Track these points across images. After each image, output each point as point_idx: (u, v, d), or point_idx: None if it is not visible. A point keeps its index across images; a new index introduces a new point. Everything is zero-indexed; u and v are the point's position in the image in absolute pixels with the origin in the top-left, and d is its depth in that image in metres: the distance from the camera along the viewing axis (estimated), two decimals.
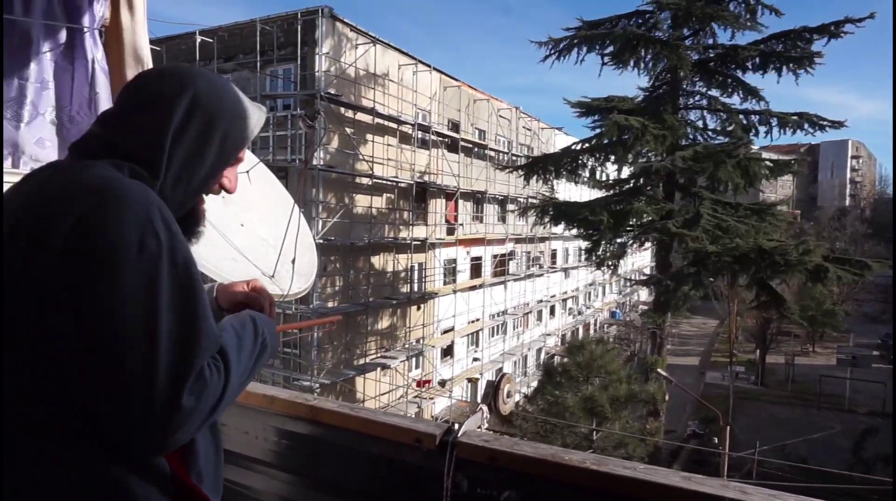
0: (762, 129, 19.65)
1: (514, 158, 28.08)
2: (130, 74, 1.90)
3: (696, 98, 21.01)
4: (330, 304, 18.56)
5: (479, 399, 22.60)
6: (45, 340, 0.90)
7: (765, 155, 21.15)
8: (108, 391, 0.88)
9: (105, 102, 1.89)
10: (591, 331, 39.27)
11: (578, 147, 20.57)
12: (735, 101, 20.21)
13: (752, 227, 18.12)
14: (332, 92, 17.67)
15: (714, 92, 20.48)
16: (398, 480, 1.81)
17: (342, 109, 18.61)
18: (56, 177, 1.00)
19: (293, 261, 2.99)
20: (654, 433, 19.00)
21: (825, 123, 18.79)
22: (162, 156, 1.08)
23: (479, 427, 1.91)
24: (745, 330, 39.67)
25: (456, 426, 1.75)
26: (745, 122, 19.80)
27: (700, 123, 20.94)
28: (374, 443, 1.82)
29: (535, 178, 21.22)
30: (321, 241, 17.26)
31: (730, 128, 20.12)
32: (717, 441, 19.62)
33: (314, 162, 17.07)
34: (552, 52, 19.91)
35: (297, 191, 16.69)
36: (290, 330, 13.51)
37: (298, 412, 1.93)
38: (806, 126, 18.93)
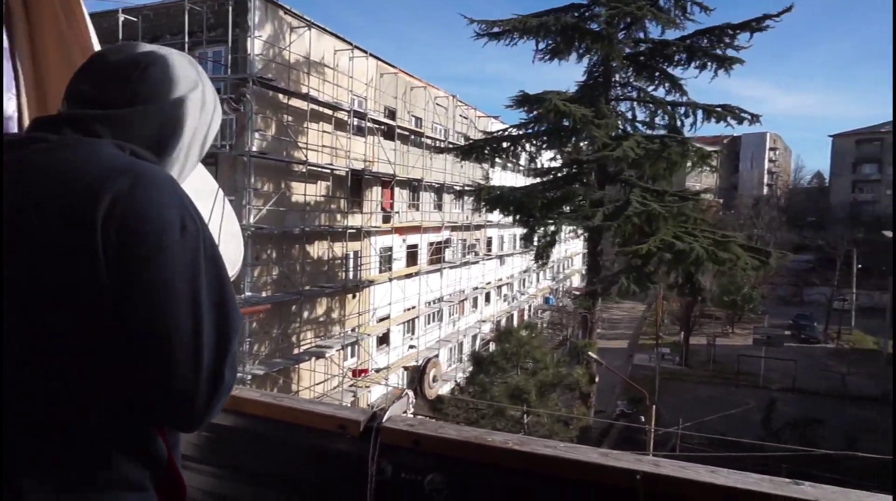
0: (688, 120, 20.51)
1: (450, 145, 28.16)
2: (61, 53, 1.78)
3: (627, 90, 21.64)
4: (264, 293, 18.15)
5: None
6: (78, 320, 0.88)
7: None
8: (158, 364, 0.89)
9: (7, 77, 1.76)
10: (526, 317, 40.06)
11: (517, 132, 20.82)
12: (661, 93, 20.98)
13: (676, 215, 18.90)
14: (266, 76, 17.17)
15: (643, 84, 21.16)
16: (323, 468, 1.80)
17: (278, 96, 18.14)
18: (64, 153, 0.93)
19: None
20: (583, 416, 19.64)
21: (745, 115, 19.79)
22: (170, 145, 1.10)
23: (405, 412, 1.92)
24: (670, 314, 41.49)
25: (380, 411, 1.75)
26: (673, 112, 20.58)
27: (629, 114, 21.62)
28: (298, 432, 1.80)
29: (471, 162, 21.38)
30: (254, 229, 16.83)
31: (659, 120, 20.87)
32: (643, 419, 20.47)
33: (245, 148, 16.57)
34: (485, 32, 20.03)
35: (225, 178, 16.20)
36: None
37: None
38: (728, 118, 19.88)
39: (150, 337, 0.89)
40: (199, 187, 3.19)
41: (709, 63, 19.34)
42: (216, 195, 3.09)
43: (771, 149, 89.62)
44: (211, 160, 14.96)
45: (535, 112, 19.48)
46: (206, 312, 0.91)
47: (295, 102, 18.77)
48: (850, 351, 38.37)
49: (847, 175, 76.71)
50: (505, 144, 21.10)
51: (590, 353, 19.46)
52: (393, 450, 1.67)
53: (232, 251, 3.26)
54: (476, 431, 1.69)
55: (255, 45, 17.16)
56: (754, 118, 19.82)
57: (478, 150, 21.24)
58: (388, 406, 1.79)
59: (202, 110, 1.15)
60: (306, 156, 18.85)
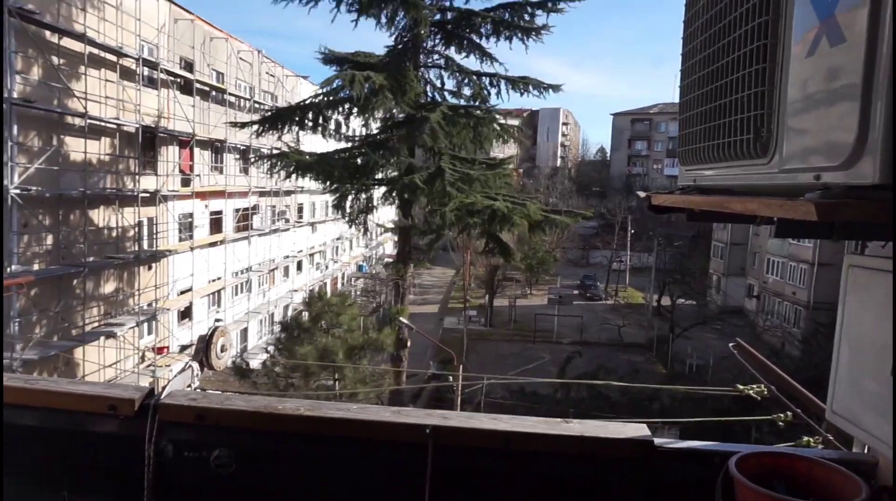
0: (493, 90, 21.53)
1: (256, 104, 26.64)
2: None
3: (436, 58, 22.06)
4: (36, 266, 15.84)
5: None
6: None
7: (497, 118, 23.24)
8: None
9: None
10: (339, 285, 39.96)
11: (319, 100, 20.26)
12: (472, 63, 21.75)
13: (483, 181, 19.94)
14: (29, 7, 14.64)
15: (453, 53, 21.71)
16: (91, 455, 1.60)
17: (45, 33, 15.60)
18: None
19: None
20: (395, 376, 20.21)
21: (545, 86, 21.25)
22: None
23: (189, 386, 1.78)
24: (476, 278, 44.12)
25: (159, 387, 1.60)
26: (479, 82, 21.44)
27: (438, 83, 22.11)
28: (58, 417, 1.58)
29: (276, 132, 20.43)
30: (18, 191, 14.51)
31: (466, 88, 21.61)
32: (451, 379, 21.65)
33: (4, 92, 14.09)
34: None
35: None
36: None
37: None
38: (530, 88, 21.22)
39: None
40: None
41: (515, 35, 20.32)
42: None
43: (564, 123, 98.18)
44: None
45: (338, 81, 19.13)
46: None
47: (69, 43, 16.34)
48: (625, 306, 44.11)
49: (623, 150, 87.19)
50: (310, 114, 20.38)
51: (401, 318, 19.94)
52: (174, 428, 1.54)
53: None
54: (265, 400, 1.62)
55: None
56: (554, 88, 21.34)
57: (282, 120, 20.27)
58: (168, 382, 1.64)
59: None
60: (86, 107, 16.58)
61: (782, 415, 3.35)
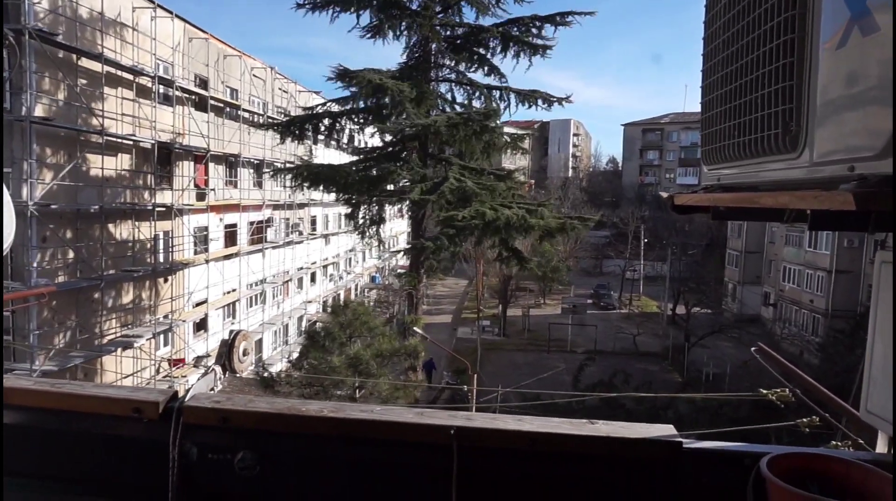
0: (503, 104, 21.64)
1: (269, 120, 26.91)
2: None
3: (446, 72, 22.24)
4: (57, 279, 16.04)
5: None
6: None
7: (506, 130, 23.33)
8: None
9: None
10: (353, 296, 40.03)
11: (336, 108, 20.48)
12: (481, 78, 21.90)
13: (491, 190, 19.94)
14: (49, 31, 14.94)
15: (462, 67, 21.88)
16: (116, 458, 1.61)
17: (68, 54, 15.90)
18: None
19: None
20: (416, 386, 20.18)
21: (554, 99, 21.33)
22: None
23: (212, 389, 1.79)
24: (489, 288, 44.03)
25: (182, 390, 1.61)
26: (489, 95, 21.57)
27: (449, 96, 22.27)
28: (83, 420, 1.59)
29: (291, 140, 20.69)
30: (38, 206, 14.73)
31: (476, 101, 21.75)
32: (466, 388, 21.54)
33: (23, 111, 14.34)
34: (305, 3, 19.39)
35: None
36: None
37: None
38: (539, 101, 21.28)
39: None
40: None
41: (522, 51, 20.52)
42: None
43: (574, 134, 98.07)
44: None
45: (352, 89, 19.33)
46: None
47: (88, 64, 16.64)
48: (639, 315, 43.75)
49: (635, 160, 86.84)
50: (326, 121, 20.63)
51: (415, 328, 19.93)
52: (198, 430, 1.55)
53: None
54: (289, 402, 1.62)
55: None
56: (563, 100, 21.41)
57: (297, 126, 20.52)
58: (192, 385, 1.65)
59: None
60: (103, 124, 16.84)
61: (806, 420, 3.31)
